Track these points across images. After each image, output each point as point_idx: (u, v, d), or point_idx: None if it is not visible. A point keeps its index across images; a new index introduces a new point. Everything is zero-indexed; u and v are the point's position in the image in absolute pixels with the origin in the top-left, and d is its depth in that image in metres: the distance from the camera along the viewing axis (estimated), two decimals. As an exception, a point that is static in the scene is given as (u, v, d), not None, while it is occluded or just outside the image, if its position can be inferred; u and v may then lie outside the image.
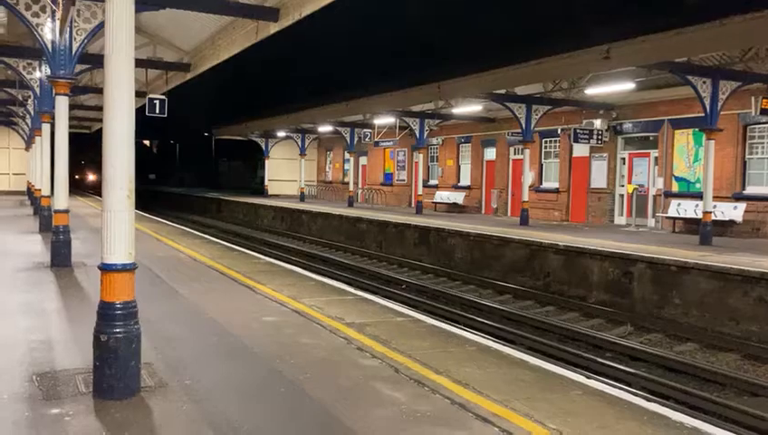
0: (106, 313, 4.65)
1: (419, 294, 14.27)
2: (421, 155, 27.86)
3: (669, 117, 19.56)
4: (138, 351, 4.76)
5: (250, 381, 5.28)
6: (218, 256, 12.60)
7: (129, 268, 4.69)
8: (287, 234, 26.90)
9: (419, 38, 14.28)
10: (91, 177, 66.80)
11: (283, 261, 13.87)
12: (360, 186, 36.23)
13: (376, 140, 30.34)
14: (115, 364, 4.64)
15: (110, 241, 4.64)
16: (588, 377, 6.00)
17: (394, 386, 5.13)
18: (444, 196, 29.07)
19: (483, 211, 27.46)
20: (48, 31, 10.45)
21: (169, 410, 4.53)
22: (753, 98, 15.67)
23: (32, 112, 22.32)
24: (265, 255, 14.76)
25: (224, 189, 48.05)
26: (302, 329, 6.95)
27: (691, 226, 17.75)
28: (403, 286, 15.31)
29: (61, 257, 10.76)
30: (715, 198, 16.15)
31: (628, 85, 17.31)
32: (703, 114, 15.48)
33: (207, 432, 4.21)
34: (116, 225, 4.64)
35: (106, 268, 4.66)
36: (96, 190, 39.95)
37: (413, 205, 28.83)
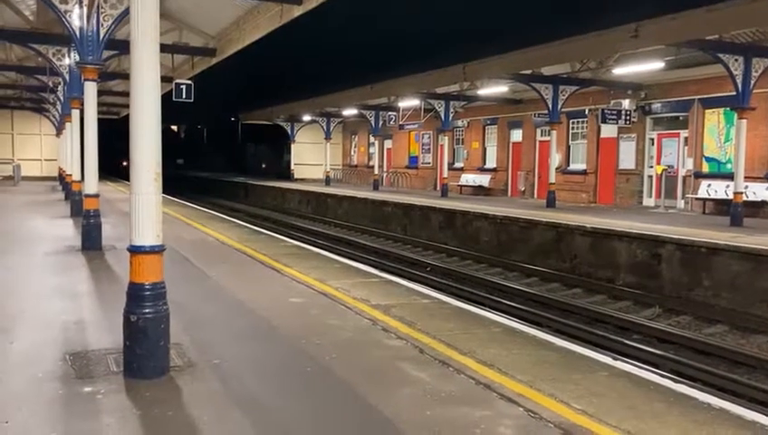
0: (135, 294, 4.74)
1: (444, 277, 14.27)
2: (446, 137, 27.71)
3: (699, 96, 19.20)
4: (167, 331, 4.85)
5: (277, 360, 5.36)
6: (245, 240, 12.72)
7: (157, 250, 4.77)
8: (313, 217, 27.04)
9: (444, 19, 14.14)
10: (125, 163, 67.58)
11: (309, 244, 13.96)
12: (384, 169, 36.22)
13: (401, 123, 30.24)
14: (145, 344, 4.73)
15: (139, 224, 4.72)
16: (614, 359, 5.96)
17: (419, 366, 5.16)
18: (469, 178, 28.95)
19: (509, 194, 27.29)
20: (76, 17, 10.58)
21: (198, 389, 4.61)
22: (787, 75, 15.28)
23: (62, 99, 22.65)
24: (291, 238, 14.87)
25: (250, 174, 48.32)
26: (328, 310, 7.01)
27: (721, 207, 17.46)
28: (428, 269, 15.33)
29: (91, 241, 10.96)
30: (747, 178, 15.85)
31: (657, 64, 17.01)
32: (734, 93, 15.16)
33: (235, 410, 4.28)
34: (144, 207, 4.71)
35: (135, 250, 4.74)
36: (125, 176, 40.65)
37: (438, 188, 28.74)
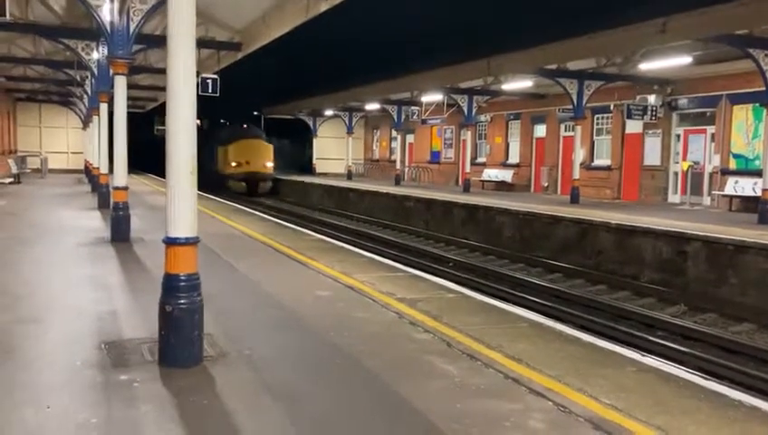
0: (171, 284, 4.83)
1: (467, 272, 14.28)
2: (469, 132, 27.66)
3: (727, 92, 18.96)
4: (200, 321, 4.94)
5: (306, 351, 5.43)
6: (270, 233, 12.84)
7: (192, 242, 4.86)
8: (335, 212, 27.14)
9: (470, 12, 14.12)
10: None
11: (332, 238, 14.04)
12: (406, 164, 36.22)
13: (423, 117, 30.23)
14: (179, 334, 4.83)
15: (175, 216, 4.81)
16: (642, 355, 5.96)
17: (447, 360, 5.21)
18: (492, 174, 28.87)
19: (532, 189, 27.19)
20: (107, 12, 10.73)
21: (231, 378, 4.70)
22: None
23: (89, 92, 22.94)
24: (314, 232, 14.96)
25: None
26: (355, 303, 7.08)
27: (749, 204, 17.26)
28: (450, 264, 15.34)
29: (120, 233, 11.13)
30: (776, 175, 15.63)
31: (685, 59, 16.81)
32: (764, 88, 14.95)
33: (267, 398, 4.36)
34: (180, 200, 4.80)
35: (170, 242, 4.83)
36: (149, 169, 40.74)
37: (460, 183, 28.71)
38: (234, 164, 34.31)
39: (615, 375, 4.94)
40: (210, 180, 34.49)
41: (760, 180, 15.64)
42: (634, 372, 5.04)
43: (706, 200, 19.73)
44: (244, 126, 38.73)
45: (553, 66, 19.57)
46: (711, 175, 19.75)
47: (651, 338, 9.29)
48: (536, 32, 14.49)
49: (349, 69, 23.00)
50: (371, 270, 9.10)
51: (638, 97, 21.09)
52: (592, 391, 4.53)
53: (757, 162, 17.83)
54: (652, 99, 20.87)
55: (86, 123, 30.24)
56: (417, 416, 4.12)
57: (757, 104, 16.96)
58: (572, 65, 19.74)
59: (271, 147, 36.43)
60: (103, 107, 15.02)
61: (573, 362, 5.25)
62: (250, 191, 33.90)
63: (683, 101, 20.66)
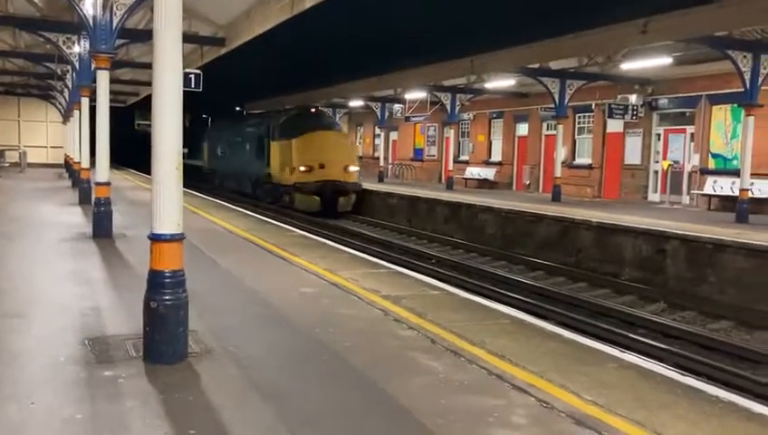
0: (156, 281, 4.83)
1: (450, 269, 14.36)
2: (452, 130, 27.76)
3: (707, 92, 19.22)
4: (185, 318, 4.95)
5: (291, 348, 5.46)
6: (252, 229, 12.82)
7: (177, 238, 4.86)
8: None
9: (453, 11, 14.17)
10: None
11: (315, 234, 14.04)
12: (390, 161, 36.26)
13: (407, 115, 30.27)
14: (164, 330, 4.83)
15: (160, 212, 4.80)
16: (622, 351, 6.05)
17: (431, 356, 5.26)
18: (474, 172, 29.00)
19: (514, 187, 27.36)
20: (89, 5, 10.64)
21: (216, 375, 4.72)
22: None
23: (70, 86, 22.71)
24: (297, 228, 14.95)
25: None
26: (340, 300, 7.11)
27: (727, 203, 17.51)
28: (433, 261, 15.41)
29: (102, 228, 11.06)
30: (753, 175, 15.91)
31: (665, 60, 17.01)
32: (742, 89, 15.20)
33: (253, 394, 4.38)
34: (165, 196, 4.79)
35: (155, 238, 4.83)
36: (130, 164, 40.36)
37: (443, 180, 28.79)
38: (302, 169, 22.62)
39: (596, 372, 5.02)
40: (245, 190, 27.85)
41: (738, 180, 15.89)
42: (615, 369, 5.13)
43: (686, 199, 19.99)
44: (312, 110, 26.31)
45: (536, 65, 19.71)
46: (690, 174, 20.02)
47: (632, 335, 9.41)
48: (520, 31, 14.59)
49: (333, 65, 22.96)
50: (355, 267, 9.13)
51: (619, 97, 21.31)
52: (574, 388, 4.61)
53: (735, 162, 18.10)
54: (633, 98, 21.09)
55: (66, 117, 29.92)
56: (403, 412, 4.17)
57: (735, 105, 17.22)
58: (554, 64, 19.90)
59: (353, 142, 28.40)
60: (84, 101, 14.88)
61: (555, 358, 5.32)
62: (326, 209, 22.63)
63: (663, 101, 20.90)
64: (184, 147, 5.07)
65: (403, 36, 16.91)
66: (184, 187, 4.95)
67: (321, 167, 22.63)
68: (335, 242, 12.56)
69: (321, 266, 8.95)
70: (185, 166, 4.97)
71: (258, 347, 5.42)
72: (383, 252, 16.02)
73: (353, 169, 23.50)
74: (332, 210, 22.68)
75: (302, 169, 22.55)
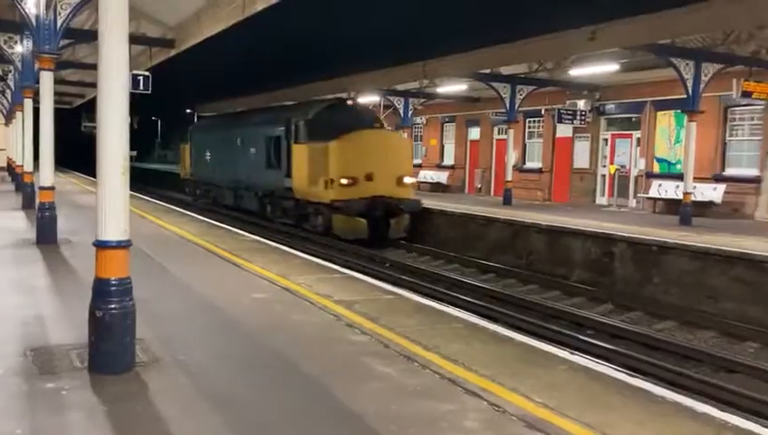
0: (101, 289, 4.70)
1: (404, 273, 14.38)
2: (405, 134, 27.85)
3: (652, 98, 19.75)
4: (132, 326, 4.82)
5: (242, 355, 5.38)
6: (203, 234, 12.62)
7: (123, 245, 4.73)
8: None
9: (406, 16, 14.21)
10: None
11: (266, 238, 13.88)
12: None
13: (360, 118, 30.21)
14: (110, 340, 4.70)
15: (105, 218, 4.67)
16: (572, 353, 6.15)
17: (384, 361, 5.25)
18: (428, 175, 29.16)
19: (466, 190, 27.61)
20: (32, 5, 10.31)
21: (164, 384, 4.61)
22: (734, 80, 15.84)
23: (12, 87, 21.99)
24: (247, 232, 14.76)
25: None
26: (292, 306, 7.04)
27: (671, 206, 18.01)
28: (387, 265, 15.41)
29: (46, 234, 10.72)
30: (696, 178, 16.39)
31: (612, 66, 17.43)
32: (685, 96, 15.67)
33: (202, 404, 4.30)
34: (111, 202, 4.67)
35: (101, 245, 4.70)
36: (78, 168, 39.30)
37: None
38: (344, 182, 16.93)
39: (547, 374, 5.08)
40: (249, 207, 22.19)
41: (681, 183, 16.36)
42: (565, 371, 5.20)
43: (632, 202, 20.49)
44: (349, 102, 20.30)
45: (487, 70, 19.96)
46: (636, 178, 20.53)
47: (581, 337, 9.58)
48: (471, 37, 14.74)
49: (284, 68, 22.79)
50: (308, 272, 9.06)
51: (568, 102, 21.74)
52: (525, 390, 4.65)
53: (679, 166, 18.64)
54: (581, 104, 21.54)
55: (9, 119, 28.97)
56: (355, 419, 4.14)
57: (679, 111, 17.74)
58: (505, 70, 20.18)
59: (410, 143, 20.96)
60: (27, 103, 14.43)
61: (507, 361, 5.37)
62: (374, 234, 17.11)
63: (610, 107, 21.40)
64: (132, 149, 4.94)
65: (355, 40, 16.91)
66: (136, 191, 4.83)
67: (369, 178, 17.06)
68: (288, 247, 12.44)
69: (274, 272, 8.86)
70: (135, 169, 4.85)
71: (208, 355, 5.32)
72: (336, 256, 15.94)
73: (409, 180, 18.00)
74: (381, 235, 17.23)
75: (344, 181, 16.80)
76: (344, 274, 9.19)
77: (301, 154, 18.15)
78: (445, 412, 4.25)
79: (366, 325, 6.28)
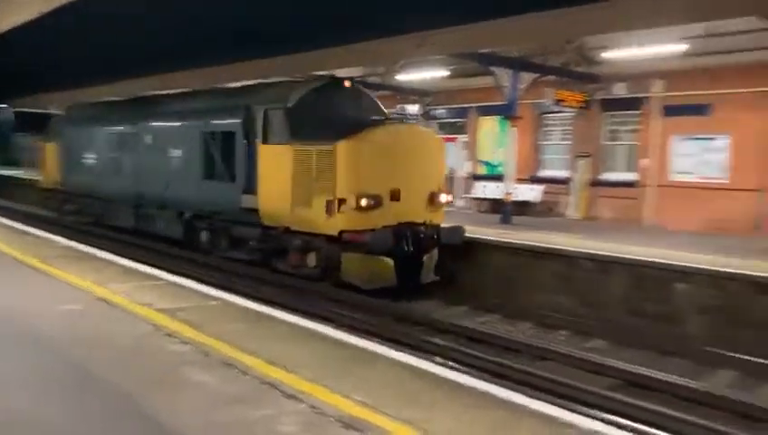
0: None
1: (233, 275, 13.94)
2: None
3: (477, 104, 20.90)
4: None
5: (46, 372, 4.93)
6: (10, 241, 11.50)
7: None
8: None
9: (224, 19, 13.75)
10: None
11: (84, 244, 12.92)
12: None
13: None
14: None
15: None
16: (397, 350, 6.26)
17: (203, 370, 5.04)
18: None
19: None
20: None
21: (-54, 411, 4.10)
22: (546, 89, 17.17)
23: None
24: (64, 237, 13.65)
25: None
26: (107, 317, 6.59)
27: (495, 205, 19.14)
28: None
29: None
30: (517, 180, 17.54)
31: (440, 72, 18.20)
32: (505, 102, 16.71)
33: (-8, 432, 3.87)
34: None
35: None
36: None
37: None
38: (363, 204, 11.11)
39: (369, 373, 5.12)
40: (168, 233, 16.26)
41: (503, 185, 17.43)
42: (386, 368, 5.28)
43: (460, 202, 21.52)
44: (346, 84, 13.69)
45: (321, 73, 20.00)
46: (464, 179, 21.60)
47: (409, 332, 9.84)
48: (299, 40, 14.62)
49: (102, 62, 21.10)
50: (129, 279, 8.54)
51: (398, 106, 22.40)
52: (346, 390, 4.66)
53: (500, 168, 19.85)
54: (413, 108, 22.30)
55: None
56: (167, 433, 3.92)
57: (500, 116, 18.89)
58: (338, 73, 20.31)
59: (443, 146, 13.25)
60: None
61: (330, 362, 5.36)
62: (405, 274, 11.71)
63: (440, 111, 22.36)
64: None
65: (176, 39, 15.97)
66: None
67: (395, 198, 11.60)
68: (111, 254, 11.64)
69: (91, 280, 8.25)
70: None
71: (5, 372, 4.83)
72: (164, 262, 15.16)
73: (444, 198, 12.61)
74: (412, 276, 11.98)
75: (364, 203, 11.13)
76: (169, 280, 8.75)
77: (276, 160, 12.17)
78: (260, 417, 4.15)
79: (186, 333, 6.01)
